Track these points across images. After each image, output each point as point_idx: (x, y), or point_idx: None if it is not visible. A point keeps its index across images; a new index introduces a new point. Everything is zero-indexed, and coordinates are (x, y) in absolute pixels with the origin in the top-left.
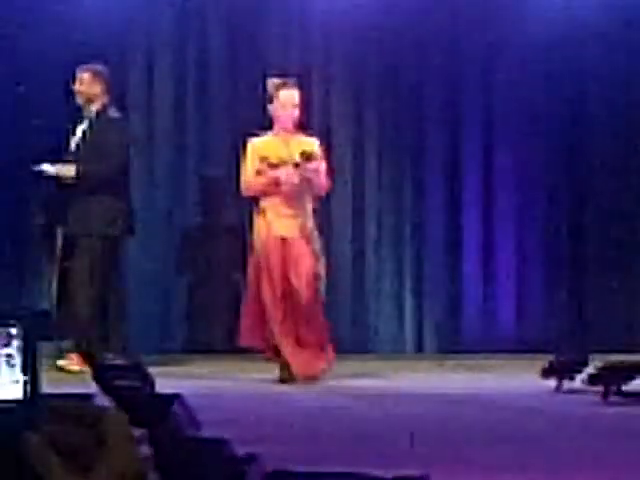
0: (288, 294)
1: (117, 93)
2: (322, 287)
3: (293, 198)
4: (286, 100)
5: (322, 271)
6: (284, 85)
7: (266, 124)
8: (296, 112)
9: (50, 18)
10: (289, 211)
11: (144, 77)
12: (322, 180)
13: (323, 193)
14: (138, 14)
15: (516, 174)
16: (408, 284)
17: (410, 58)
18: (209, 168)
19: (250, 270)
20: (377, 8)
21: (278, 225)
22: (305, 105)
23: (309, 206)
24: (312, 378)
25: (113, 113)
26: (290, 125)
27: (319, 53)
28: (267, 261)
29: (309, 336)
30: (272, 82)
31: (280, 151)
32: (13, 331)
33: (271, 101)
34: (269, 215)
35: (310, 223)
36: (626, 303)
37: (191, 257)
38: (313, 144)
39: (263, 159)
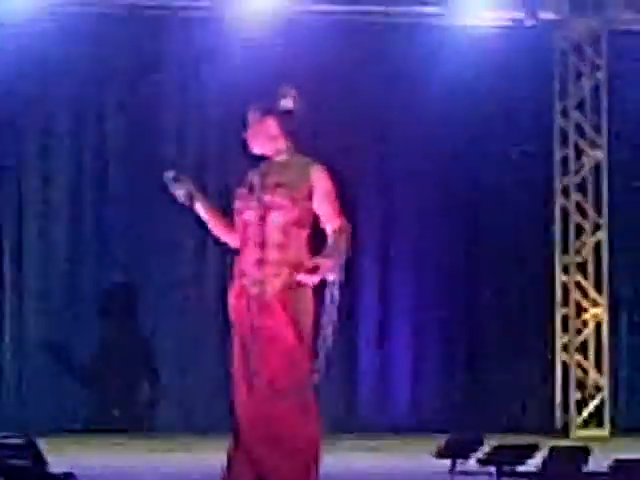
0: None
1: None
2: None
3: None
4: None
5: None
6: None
7: None
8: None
9: None
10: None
11: (39, 161)
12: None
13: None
14: (34, 97)
15: (414, 253)
16: None
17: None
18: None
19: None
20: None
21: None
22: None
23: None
24: None
25: None
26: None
27: (214, 147)
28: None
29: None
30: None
31: None
32: None
33: None
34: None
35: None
36: (521, 384)
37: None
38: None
39: None
